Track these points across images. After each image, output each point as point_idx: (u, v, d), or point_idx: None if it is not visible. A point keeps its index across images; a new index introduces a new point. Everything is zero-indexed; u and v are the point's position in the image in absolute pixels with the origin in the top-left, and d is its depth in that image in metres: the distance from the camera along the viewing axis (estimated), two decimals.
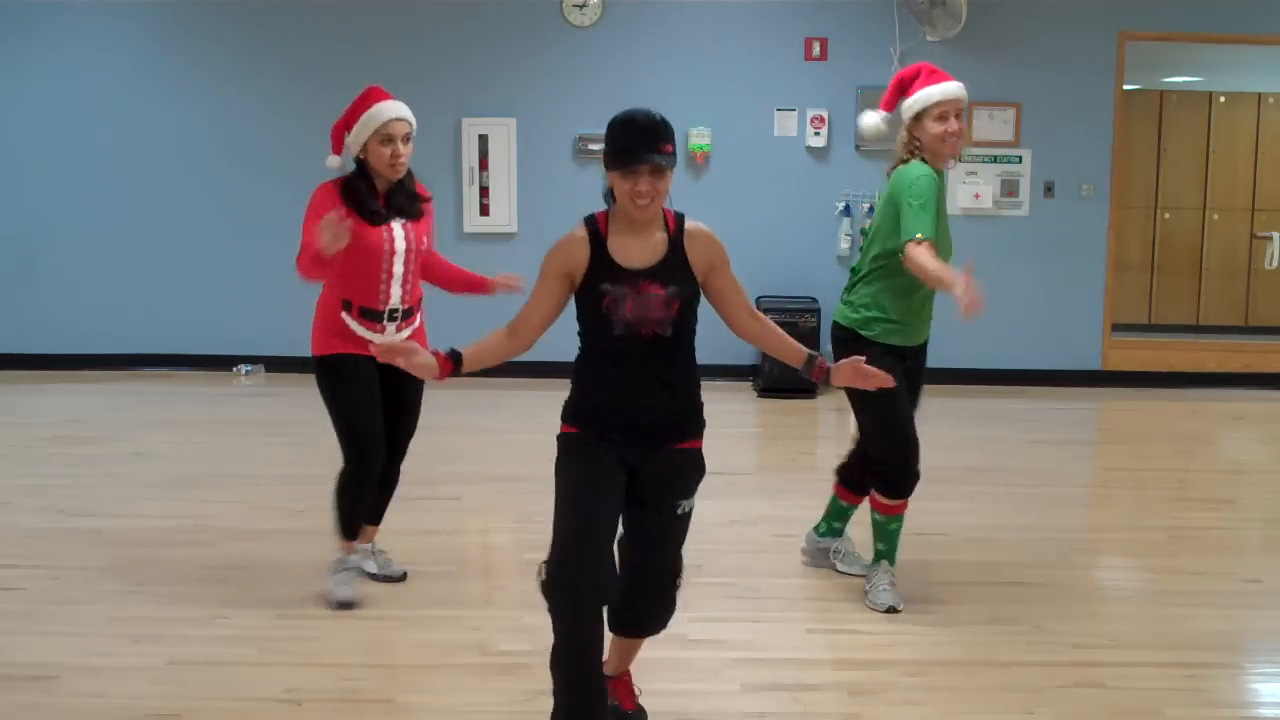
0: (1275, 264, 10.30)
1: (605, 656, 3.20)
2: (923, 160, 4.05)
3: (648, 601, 3.14)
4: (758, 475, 6.37)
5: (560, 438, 3.12)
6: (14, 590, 4.33)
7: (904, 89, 4.11)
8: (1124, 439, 7.70)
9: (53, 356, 8.78)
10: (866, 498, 4.41)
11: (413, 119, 4.07)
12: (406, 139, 4.00)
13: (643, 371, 2.98)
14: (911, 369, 4.18)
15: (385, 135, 3.97)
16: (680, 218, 3.05)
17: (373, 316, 4.03)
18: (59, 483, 5.81)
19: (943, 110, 4.00)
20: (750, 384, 8.38)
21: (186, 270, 8.78)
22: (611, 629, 3.16)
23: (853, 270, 4.29)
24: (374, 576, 4.37)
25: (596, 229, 2.99)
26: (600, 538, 2.97)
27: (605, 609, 3.03)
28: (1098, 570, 4.97)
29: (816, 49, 8.57)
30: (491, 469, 6.12)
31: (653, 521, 3.06)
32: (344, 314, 4.03)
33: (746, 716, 3.42)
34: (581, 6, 8.56)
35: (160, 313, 8.79)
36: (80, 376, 8.58)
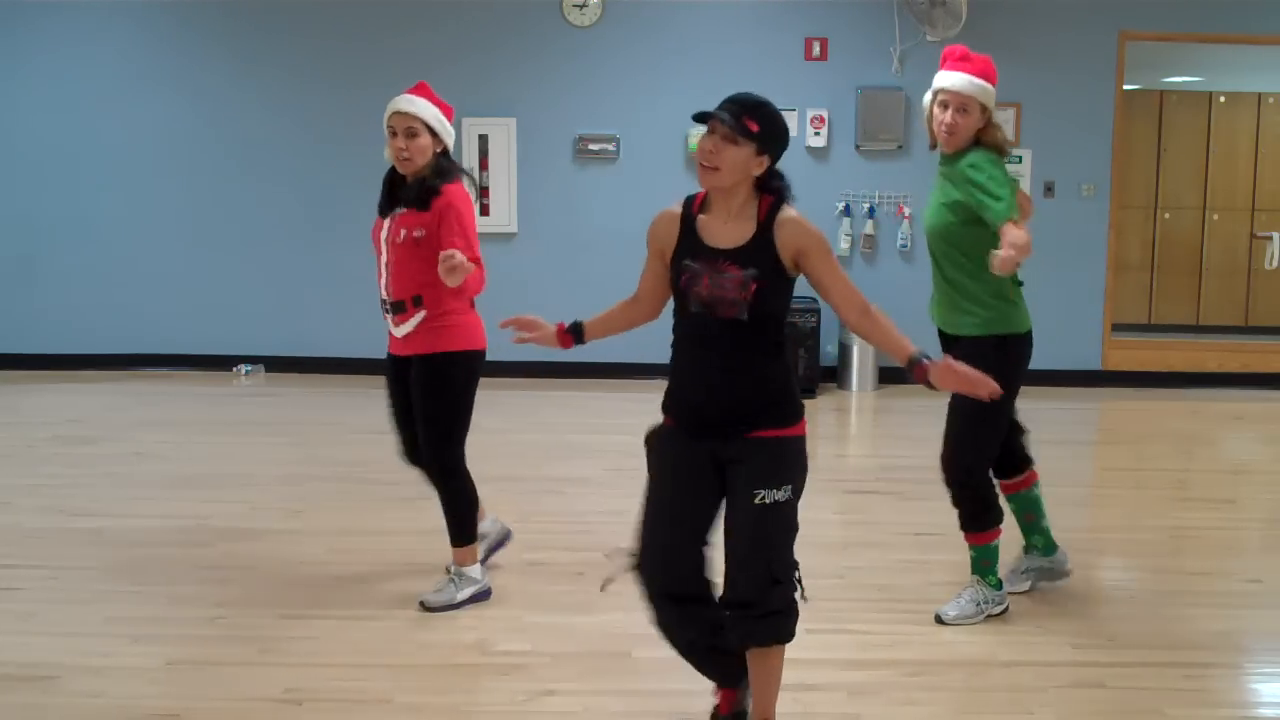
0: (1275, 264, 10.30)
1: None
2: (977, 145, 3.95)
3: (744, 604, 2.95)
4: None
5: (653, 428, 3.09)
6: (14, 590, 4.33)
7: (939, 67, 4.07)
8: (1124, 439, 7.69)
9: (53, 356, 8.78)
10: (1028, 473, 4.30)
11: (426, 115, 4.02)
12: (411, 134, 3.98)
13: (712, 355, 2.93)
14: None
15: (389, 128, 4.03)
16: (777, 205, 2.97)
17: (382, 305, 4.11)
18: (59, 483, 5.81)
19: (942, 99, 3.96)
20: None
21: (186, 270, 8.78)
22: (731, 639, 3.05)
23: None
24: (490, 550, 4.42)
25: (690, 206, 3.02)
26: (674, 531, 2.99)
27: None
28: (1098, 570, 4.96)
29: (816, 49, 8.57)
30: (491, 469, 6.10)
31: (734, 514, 2.97)
32: None
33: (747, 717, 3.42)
34: (581, 6, 8.56)
35: (160, 313, 8.79)
36: (80, 376, 8.59)
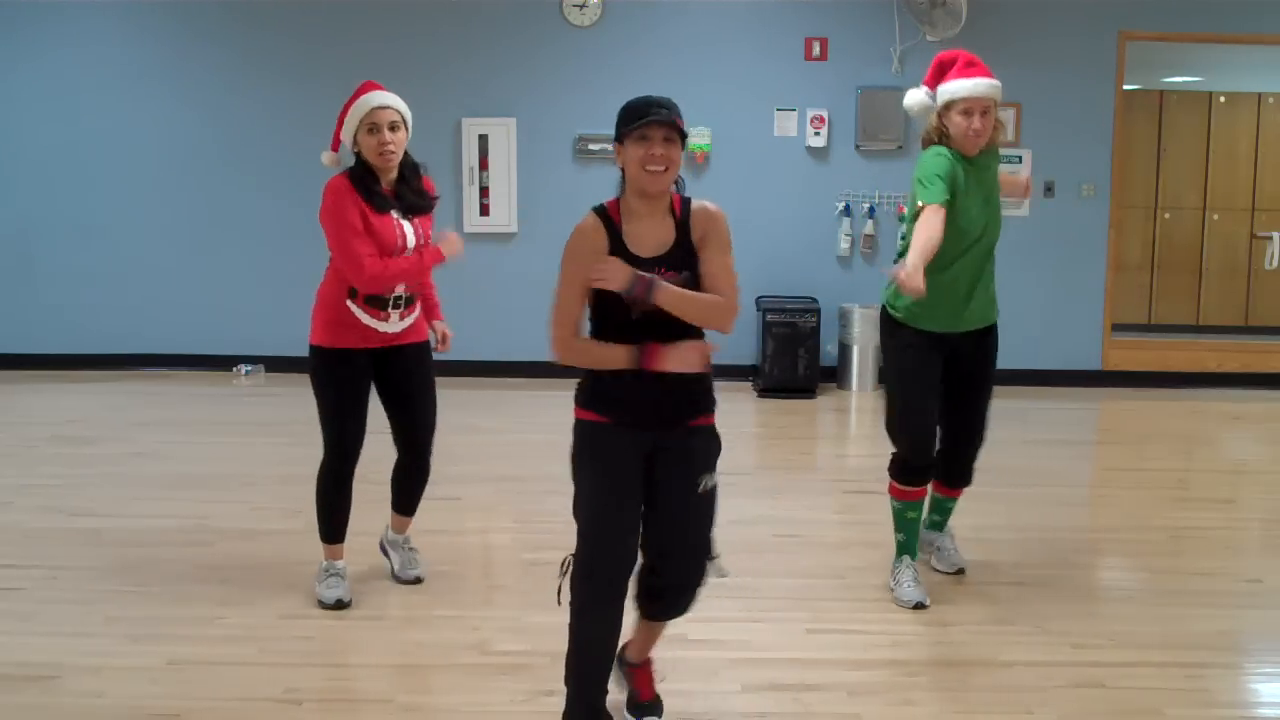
0: (1275, 264, 10.31)
1: (626, 642, 3.25)
2: (944, 146, 4.08)
3: (678, 587, 3.12)
4: (758, 475, 6.35)
5: (578, 425, 3.08)
6: (14, 590, 4.33)
7: (942, 73, 4.09)
8: (1124, 439, 7.69)
9: (53, 356, 8.79)
10: (959, 489, 4.46)
11: (402, 108, 4.06)
12: (394, 127, 4.00)
13: None
14: (962, 359, 4.19)
15: (371, 123, 4.00)
16: (686, 201, 3.05)
17: (378, 304, 4.05)
18: (59, 482, 5.81)
19: (967, 106, 3.98)
20: (750, 384, 8.38)
21: (186, 270, 8.78)
22: (643, 615, 3.19)
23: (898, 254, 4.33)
24: (393, 574, 4.39)
25: (609, 218, 3.00)
26: (625, 527, 3.00)
27: (635, 597, 3.10)
28: (1098, 570, 4.97)
29: (816, 49, 8.57)
30: (491, 469, 6.12)
31: (676, 501, 3.03)
32: (349, 302, 4.03)
33: (746, 716, 3.42)
34: (581, 6, 8.56)
35: (160, 313, 8.79)
36: (80, 376, 8.59)
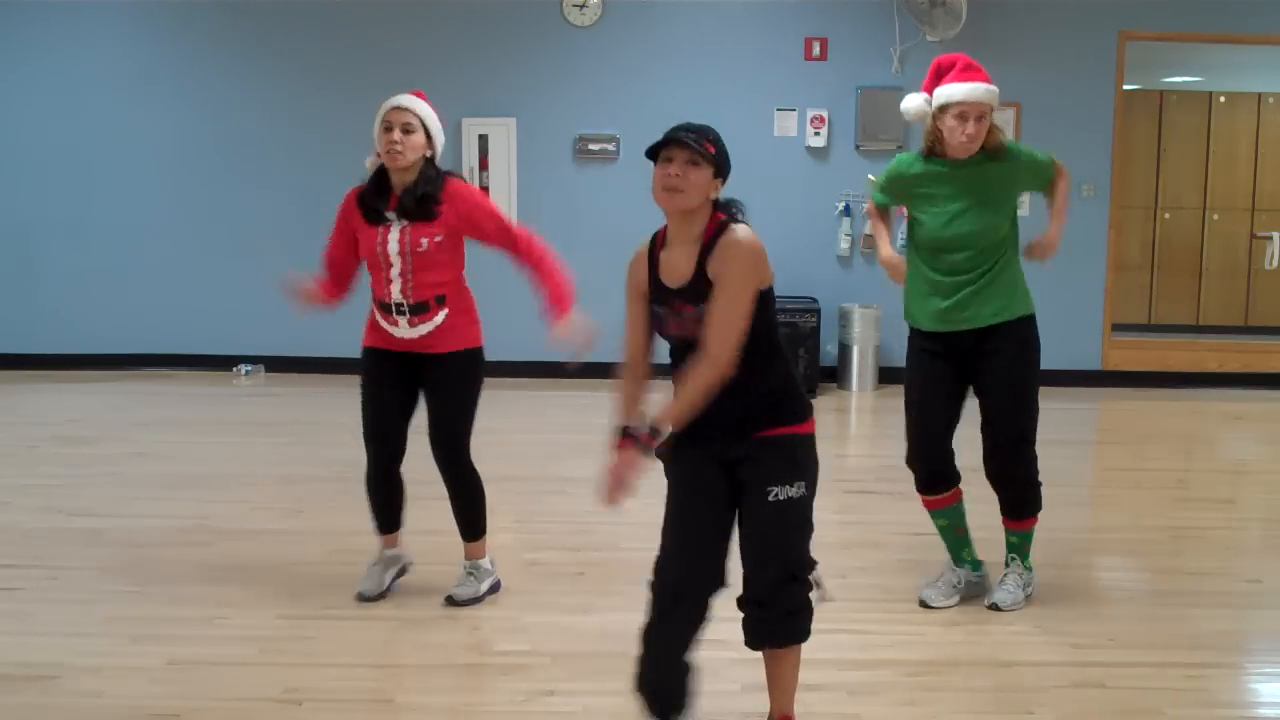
0: (1275, 264, 10.31)
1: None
2: (924, 152, 4.11)
3: (760, 603, 3.01)
4: None
5: (661, 442, 3.02)
6: (14, 590, 4.33)
7: (939, 76, 4.09)
8: (1124, 439, 7.69)
9: (53, 356, 8.79)
10: (1010, 520, 4.39)
11: (422, 113, 4.06)
12: (408, 129, 3.99)
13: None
14: (975, 364, 4.16)
15: (385, 123, 4.02)
16: (722, 227, 2.90)
17: (384, 309, 4.12)
18: (59, 483, 5.81)
19: (962, 110, 3.98)
20: None
21: (186, 270, 8.78)
22: (747, 641, 3.10)
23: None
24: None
25: (654, 245, 3.01)
26: (689, 532, 2.98)
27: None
28: (1098, 570, 4.97)
29: (816, 49, 8.58)
30: (491, 469, 6.08)
31: (748, 512, 2.97)
32: (373, 306, 4.18)
33: (746, 716, 3.42)
34: (581, 6, 8.56)
35: (160, 313, 8.79)
36: (80, 376, 8.59)
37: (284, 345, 8.80)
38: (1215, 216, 11.25)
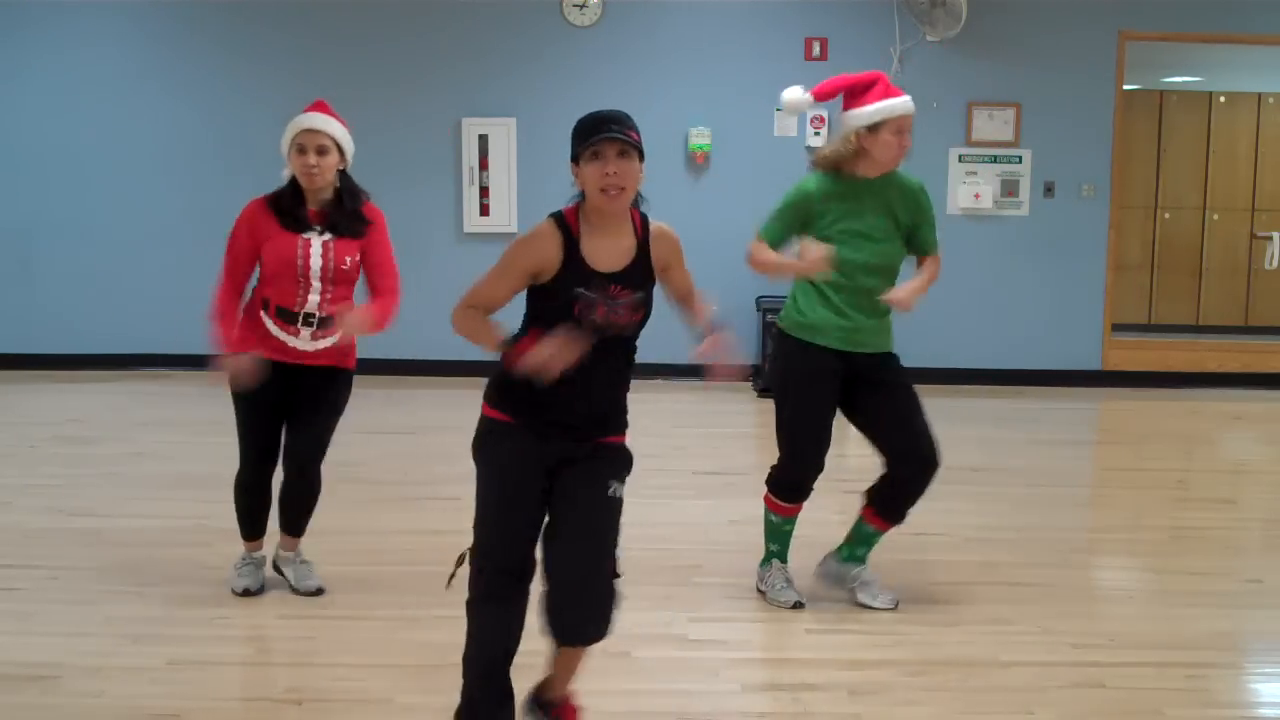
0: (1275, 264, 10.31)
1: (545, 679, 3.16)
2: (829, 171, 4.06)
3: (585, 603, 2.95)
4: (758, 475, 6.30)
5: (484, 421, 3.04)
6: (14, 590, 4.33)
7: (857, 95, 4.01)
8: (1124, 439, 7.69)
9: (53, 356, 8.78)
10: (893, 525, 4.24)
11: (336, 133, 4.03)
12: (322, 151, 3.99)
13: (599, 369, 2.91)
14: (864, 377, 4.10)
15: (299, 144, 4.02)
16: (645, 219, 3.00)
17: (288, 318, 4.06)
18: (59, 483, 5.81)
19: (900, 125, 3.95)
20: (750, 384, 8.38)
21: (187, 270, 8.74)
22: (555, 639, 3.01)
23: None
24: (291, 588, 4.32)
25: (569, 229, 2.94)
26: (525, 523, 2.96)
27: (543, 620, 2.97)
28: (1098, 570, 4.97)
29: (816, 49, 8.57)
30: None
31: (584, 507, 2.95)
32: (262, 312, 4.10)
33: (746, 716, 3.42)
34: (581, 6, 8.56)
35: (160, 313, 8.78)
36: (80, 376, 8.59)
37: None
38: (1215, 216, 11.25)
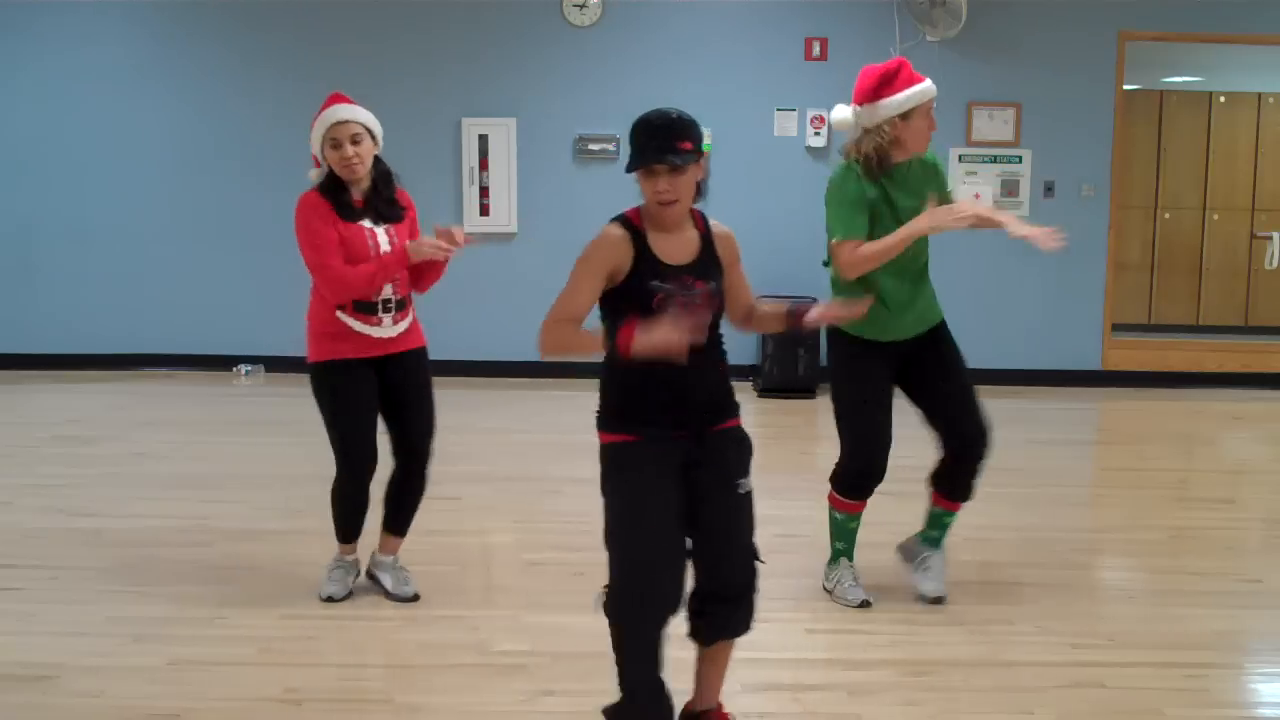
0: (1275, 264, 10.31)
1: (694, 694, 3.21)
2: (856, 161, 4.06)
3: (734, 600, 3.06)
4: (757, 475, 6.32)
5: (607, 450, 3.03)
6: (14, 590, 4.33)
7: (885, 84, 4.01)
8: (1124, 439, 7.70)
9: (53, 356, 8.79)
10: (962, 502, 4.31)
11: (366, 120, 4.06)
12: (356, 140, 4.01)
13: (695, 356, 2.94)
14: (918, 360, 4.15)
15: (333, 139, 4.02)
16: (705, 216, 3.10)
17: (368, 309, 4.05)
18: (59, 483, 5.81)
19: (929, 108, 4.02)
20: (750, 384, 8.38)
21: (186, 270, 8.78)
22: (703, 641, 3.11)
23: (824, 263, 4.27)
24: (387, 594, 4.29)
25: (634, 226, 3.02)
26: (674, 548, 2.98)
27: (691, 624, 3.08)
28: (1098, 570, 4.97)
29: (816, 49, 8.58)
30: (491, 469, 6.12)
31: (714, 509, 3.02)
32: (339, 313, 4.05)
33: (746, 716, 3.42)
34: (581, 6, 8.56)
35: (160, 313, 8.79)
36: (80, 376, 8.59)
37: (284, 345, 8.77)
38: (1215, 216, 11.25)
